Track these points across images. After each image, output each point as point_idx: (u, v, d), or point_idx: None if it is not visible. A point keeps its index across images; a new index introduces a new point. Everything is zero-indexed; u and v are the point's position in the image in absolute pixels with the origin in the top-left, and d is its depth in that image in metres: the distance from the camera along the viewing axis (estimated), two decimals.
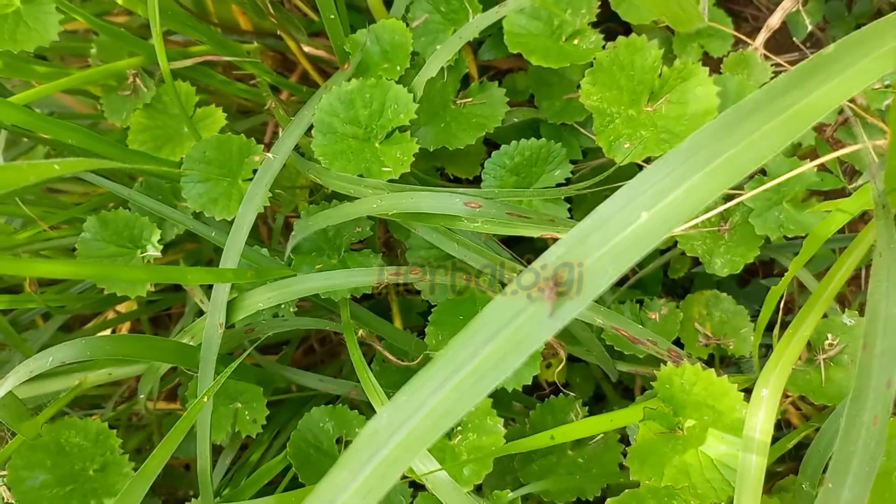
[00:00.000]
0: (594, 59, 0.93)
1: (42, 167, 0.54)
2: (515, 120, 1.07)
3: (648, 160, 0.90)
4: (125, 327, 1.29)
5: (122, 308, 1.28)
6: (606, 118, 0.92)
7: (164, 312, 1.37)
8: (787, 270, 0.80)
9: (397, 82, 0.96)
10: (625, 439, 0.99)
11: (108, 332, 1.26)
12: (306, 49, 1.18)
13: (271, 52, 1.26)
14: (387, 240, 1.25)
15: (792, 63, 1.28)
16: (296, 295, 0.88)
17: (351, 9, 1.22)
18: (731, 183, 0.45)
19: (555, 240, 0.58)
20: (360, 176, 0.90)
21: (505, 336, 0.44)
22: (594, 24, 1.01)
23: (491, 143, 1.10)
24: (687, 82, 0.93)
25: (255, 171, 0.98)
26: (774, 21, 1.08)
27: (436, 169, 1.19)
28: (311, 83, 1.27)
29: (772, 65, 1.02)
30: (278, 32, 1.16)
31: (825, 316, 0.87)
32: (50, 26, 0.91)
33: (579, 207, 1.21)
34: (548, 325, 0.44)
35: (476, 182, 1.14)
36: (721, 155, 0.45)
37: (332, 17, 0.99)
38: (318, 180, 0.92)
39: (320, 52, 1.20)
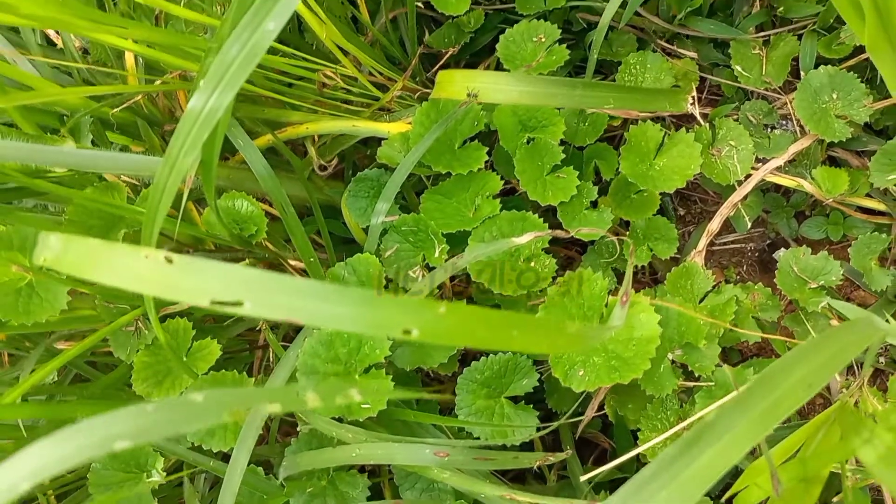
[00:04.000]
0: (546, 294, 1.03)
1: None
2: None
3: None
4: None
5: None
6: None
7: None
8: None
9: None
10: None
11: None
12: (293, 263, 1.30)
13: (262, 263, 1.37)
14: None
15: (739, 243, 1.39)
16: None
17: (329, 218, 1.34)
18: None
19: None
20: (341, 418, 0.99)
21: None
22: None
23: None
24: (632, 308, 1.03)
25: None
26: (714, 226, 1.19)
27: (417, 369, 1.28)
28: None
29: (713, 273, 1.12)
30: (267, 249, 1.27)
31: None
32: (59, 296, 1.03)
33: (553, 395, 1.30)
34: None
35: (454, 378, 1.23)
36: None
37: (312, 260, 1.10)
38: (304, 419, 1.02)
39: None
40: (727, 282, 1.38)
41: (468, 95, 1.02)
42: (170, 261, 0.55)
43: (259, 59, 0.65)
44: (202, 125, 0.68)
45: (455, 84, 1.04)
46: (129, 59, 1.12)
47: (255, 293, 0.53)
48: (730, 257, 1.38)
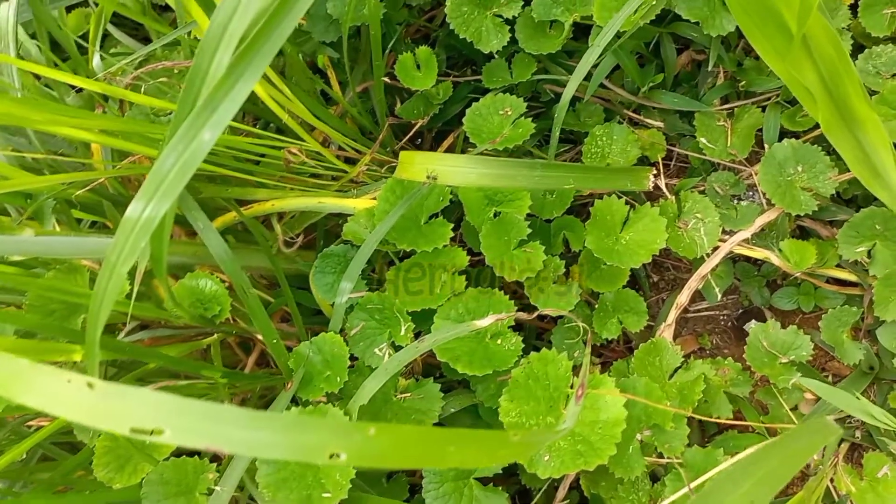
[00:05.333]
0: (511, 375, 1.02)
1: None
2: (453, 410, 1.15)
3: None
4: None
5: None
6: None
7: None
8: None
9: (337, 397, 1.05)
10: None
11: None
12: (261, 337, 1.28)
13: (233, 337, 1.36)
14: None
15: (713, 311, 1.37)
16: None
17: (302, 288, 1.33)
18: None
19: None
20: None
21: None
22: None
23: None
24: (597, 390, 1.01)
25: (208, 489, 1.06)
26: (683, 299, 1.18)
27: None
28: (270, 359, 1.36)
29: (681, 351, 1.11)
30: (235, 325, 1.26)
31: None
32: None
33: (525, 471, 1.27)
34: None
35: None
36: None
37: (275, 341, 1.09)
38: None
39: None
40: (701, 350, 1.36)
41: (427, 177, 1.02)
42: (91, 386, 0.53)
43: (196, 168, 0.64)
44: (139, 234, 0.67)
45: (415, 166, 1.04)
46: (93, 145, 1.12)
47: (176, 420, 0.51)
48: (704, 325, 1.36)
